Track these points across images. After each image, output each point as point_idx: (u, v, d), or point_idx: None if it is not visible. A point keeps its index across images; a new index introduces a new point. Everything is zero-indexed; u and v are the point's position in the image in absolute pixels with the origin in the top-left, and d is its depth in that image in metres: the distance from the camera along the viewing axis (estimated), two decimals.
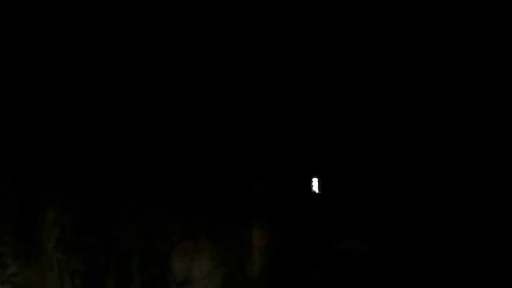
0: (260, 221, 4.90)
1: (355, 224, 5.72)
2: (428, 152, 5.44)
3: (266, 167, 5.11)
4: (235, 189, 4.65)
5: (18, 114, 3.50)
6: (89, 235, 3.66)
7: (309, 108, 5.24)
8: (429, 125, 5.34)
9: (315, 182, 5.70)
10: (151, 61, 3.87)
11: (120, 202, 3.61)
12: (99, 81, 3.72)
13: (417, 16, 4.35)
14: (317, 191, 5.71)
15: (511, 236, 5.09)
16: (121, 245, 3.58)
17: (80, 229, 3.65)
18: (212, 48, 4.17)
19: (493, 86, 4.89)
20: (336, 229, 5.73)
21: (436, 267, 5.39)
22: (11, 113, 3.49)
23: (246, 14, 3.98)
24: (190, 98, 4.18)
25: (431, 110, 5.23)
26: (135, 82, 3.82)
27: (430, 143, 5.37)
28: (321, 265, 5.67)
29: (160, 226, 3.80)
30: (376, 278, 5.50)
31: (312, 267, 5.58)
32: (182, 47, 4.01)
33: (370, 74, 4.92)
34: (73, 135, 3.62)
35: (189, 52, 4.08)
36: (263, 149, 5.04)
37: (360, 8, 4.21)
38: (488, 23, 4.42)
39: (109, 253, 3.62)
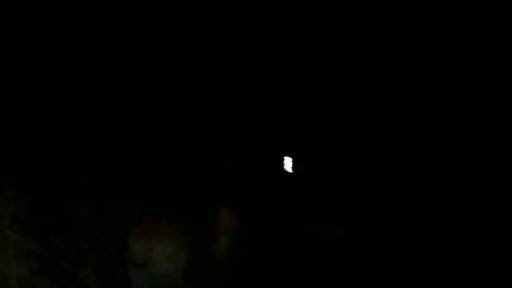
0: (227, 200, 4.68)
1: (330, 206, 5.62)
2: (404, 136, 5.42)
3: (235, 142, 4.90)
4: (201, 165, 4.39)
5: None
6: (43, 214, 3.44)
7: (281, 82, 5.10)
8: (401, 108, 5.33)
9: (288, 161, 5.54)
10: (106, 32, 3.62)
11: (74, 176, 3.35)
12: (52, 57, 3.48)
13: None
14: (289, 170, 5.54)
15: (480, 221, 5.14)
16: (74, 224, 3.32)
17: (35, 207, 3.45)
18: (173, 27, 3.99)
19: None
20: (309, 211, 5.63)
21: (411, 253, 5.35)
22: None
23: None
24: (150, 70, 3.94)
25: (401, 92, 5.20)
26: (90, 56, 3.57)
27: (405, 125, 5.34)
28: (292, 249, 5.53)
29: (117, 202, 3.53)
30: (349, 263, 5.41)
31: (283, 250, 5.44)
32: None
33: (343, 52, 4.81)
34: (27, 109, 3.42)
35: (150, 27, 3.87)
36: (232, 123, 4.85)
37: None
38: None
39: (63, 233, 3.38)
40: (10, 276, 3.45)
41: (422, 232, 5.08)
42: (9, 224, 3.45)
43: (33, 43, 3.36)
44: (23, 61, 3.41)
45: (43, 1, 3.33)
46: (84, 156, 3.49)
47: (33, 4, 3.32)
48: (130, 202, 3.61)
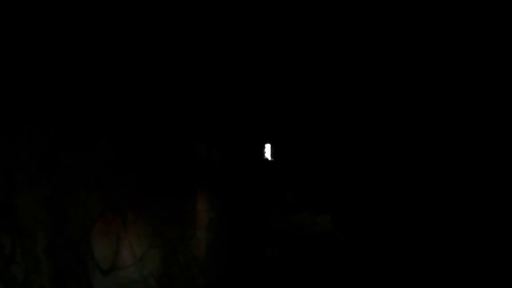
0: (206, 191, 4.20)
1: (314, 198, 5.31)
2: (385, 125, 5.37)
3: (214, 129, 4.48)
4: (177, 151, 3.89)
5: None
6: None
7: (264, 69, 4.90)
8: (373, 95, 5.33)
9: (267, 149, 5.20)
10: None
11: (23, 163, 2.77)
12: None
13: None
14: (269, 158, 5.19)
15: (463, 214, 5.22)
16: (25, 222, 2.75)
17: None
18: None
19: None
20: (292, 202, 5.29)
21: (399, 248, 5.22)
22: None
23: None
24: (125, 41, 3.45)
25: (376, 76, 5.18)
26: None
27: (383, 113, 5.32)
28: (275, 243, 5.17)
29: (75, 194, 2.98)
30: (336, 257, 5.15)
31: (266, 245, 5.06)
32: None
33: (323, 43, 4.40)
34: None
35: None
36: (211, 110, 4.47)
37: None
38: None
39: (14, 234, 2.80)
40: None
41: (408, 223, 4.91)
42: None
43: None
44: None
45: None
46: (33, 130, 2.89)
47: None
48: (91, 192, 3.05)
